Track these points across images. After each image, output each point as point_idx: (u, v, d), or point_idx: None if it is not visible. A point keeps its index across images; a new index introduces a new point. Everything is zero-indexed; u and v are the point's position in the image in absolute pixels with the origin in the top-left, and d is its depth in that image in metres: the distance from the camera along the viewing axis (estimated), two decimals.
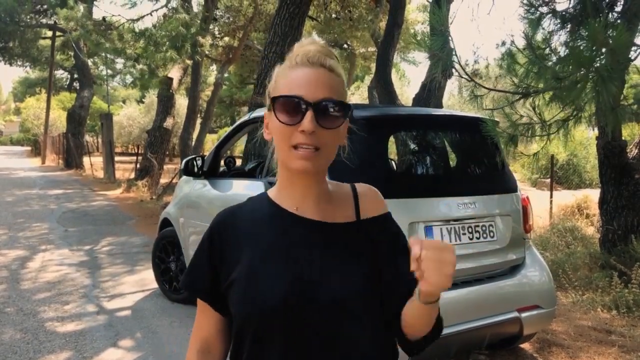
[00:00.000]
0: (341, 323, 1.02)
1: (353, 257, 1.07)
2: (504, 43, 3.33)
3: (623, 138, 5.65)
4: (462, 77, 3.35)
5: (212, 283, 1.08)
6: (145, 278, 5.64)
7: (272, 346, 1.01)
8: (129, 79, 35.29)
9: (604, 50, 2.44)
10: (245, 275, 1.03)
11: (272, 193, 1.13)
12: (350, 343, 1.03)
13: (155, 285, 5.18)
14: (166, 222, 5.08)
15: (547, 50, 2.93)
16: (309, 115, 0.97)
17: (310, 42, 1.08)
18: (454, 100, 27.13)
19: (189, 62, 14.60)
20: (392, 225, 1.17)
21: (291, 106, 0.99)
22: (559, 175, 15.02)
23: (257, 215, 1.10)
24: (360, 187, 1.18)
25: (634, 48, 2.78)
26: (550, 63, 2.80)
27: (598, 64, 2.49)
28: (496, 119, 3.47)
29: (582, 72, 2.53)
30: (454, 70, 3.29)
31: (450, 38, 3.15)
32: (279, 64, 1.10)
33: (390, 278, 1.08)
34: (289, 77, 1.02)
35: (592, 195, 8.95)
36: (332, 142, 1.02)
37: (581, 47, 2.62)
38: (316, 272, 1.03)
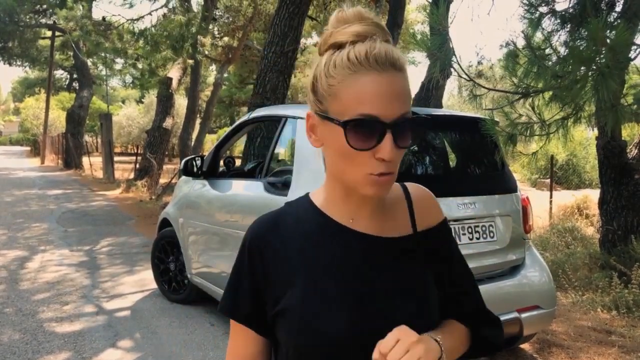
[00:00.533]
0: None
1: (415, 277, 0.95)
2: (507, 44, 3.34)
3: (623, 138, 5.65)
4: (461, 77, 3.35)
5: (258, 308, 0.93)
6: (145, 278, 5.64)
7: None
8: (128, 78, 35.35)
9: (604, 49, 2.44)
10: (300, 302, 0.89)
11: (317, 200, 0.97)
12: None
13: (154, 285, 5.18)
14: (165, 222, 5.07)
15: (548, 50, 2.92)
16: (388, 140, 0.81)
17: (356, 15, 0.85)
18: (454, 101, 27.14)
19: (187, 61, 14.60)
20: (449, 234, 1.05)
21: (365, 129, 0.81)
22: (558, 176, 15.02)
23: (306, 228, 0.94)
24: (413, 189, 1.03)
25: (633, 47, 2.78)
26: (550, 63, 2.80)
27: (598, 63, 2.49)
28: (496, 119, 3.47)
29: (582, 71, 2.53)
30: (452, 69, 3.29)
31: (448, 37, 3.15)
32: (322, 49, 0.88)
33: (449, 295, 1.00)
34: (356, 87, 0.81)
35: (592, 195, 8.96)
36: (400, 160, 0.88)
37: (581, 47, 2.62)
38: (380, 297, 0.90)
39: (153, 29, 12.79)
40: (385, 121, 0.81)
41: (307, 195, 1.00)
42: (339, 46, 0.85)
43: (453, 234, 1.05)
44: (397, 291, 0.92)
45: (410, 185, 1.04)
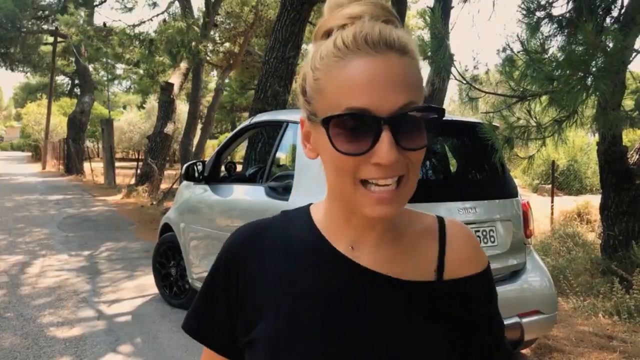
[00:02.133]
0: None
1: (427, 332, 0.74)
2: (504, 49, 3.36)
3: (624, 144, 5.66)
4: (456, 79, 3.37)
5: (230, 332, 0.78)
6: (145, 283, 5.63)
7: None
8: (128, 83, 35.44)
9: (598, 53, 2.46)
10: (270, 338, 0.72)
11: (317, 215, 0.79)
12: None
13: (155, 290, 5.17)
14: (167, 227, 5.08)
15: (544, 55, 2.95)
16: (385, 138, 0.62)
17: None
18: (455, 106, 27.18)
19: (184, 66, 14.63)
20: (488, 287, 0.82)
21: (354, 127, 0.63)
22: (559, 181, 15.02)
23: (295, 247, 0.77)
24: (452, 225, 0.81)
25: (630, 52, 2.80)
26: (548, 68, 2.82)
27: (592, 66, 2.51)
28: (496, 124, 3.49)
29: (578, 76, 2.55)
30: (449, 72, 3.31)
31: (446, 41, 3.17)
32: (313, 41, 0.72)
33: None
34: (341, 76, 0.64)
35: (593, 201, 8.96)
36: (418, 164, 0.68)
37: (577, 51, 2.64)
38: (372, 351, 0.71)
39: (153, 33, 12.85)
40: (380, 115, 0.62)
41: (307, 206, 0.82)
42: (329, 34, 0.69)
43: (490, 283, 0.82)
44: (402, 350, 0.72)
45: (449, 221, 0.81)
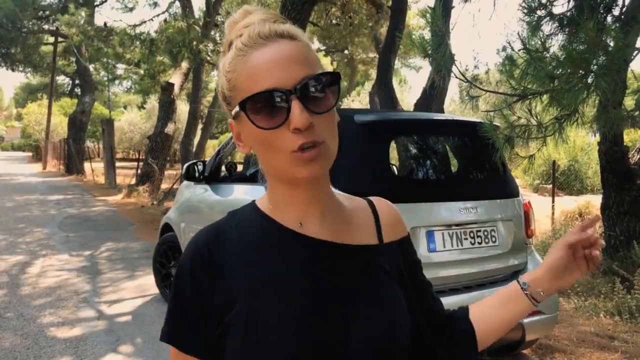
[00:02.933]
0: None
1: (386, 288, 0.85)
2: (504, 48, 3.35)
3: (625, 144, 5.65)
4: (456, 78, 3.37)
5: (205, 334, 0.80)
6: (146, 283, 5.63)
7: None
8: (128, 84, 35.46)
9: (599, 51, 2.46)
10: (243, 321, 0.77)
11: (263, 205, 0.87)
12: None
13: (155, 290, 5.17)
14: (167, 227, 5.07)
15: (545, 54, 2.94)
16: (296, 106, 0.73)
17: (243, 13, 0.83)
18: (455, 106, 27.17)
19: (185, 66, 14.64)
20: (413, 250, 0.97)
21: (267, 104, 0.74)
22: (560, 181, 15.01)
23: (250, 237, 0.83)
24: (380, 203, 0.96)
25: (632, 50, 2.79)
26: (549, 67, 2.81)
27: (595, 66, 2.50)
28: (497, 123, 3.48)
29: (579, 74, 2.55)
30: (450, 71, 3.30)
31: (446, 39, 3.17)
32: (220, 57, 0.84)
33: (418, 312, 0.91)
34: (247, 68, 0.76)
35: (594, 201, 8.95)
36: (332, 128, 0.79)
37: (578, 50, 2.63)
38: (338, 311, 0.79)
39: (154, 33, 12.85)
40: (286, 88, 0.73)
41: (252, 202, 0.89)
42: (231, 46, 0.81)
43: (412, 244, 0.99)
44: (364, 304, 0.81)
45: (376, 199, 0.96)
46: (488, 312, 0.97)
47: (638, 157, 5.69)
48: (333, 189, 0.89)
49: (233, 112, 0.80)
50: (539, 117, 3.20)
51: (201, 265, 0.81)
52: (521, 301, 0.96)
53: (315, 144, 0.75)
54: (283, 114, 0.74)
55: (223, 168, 4.73)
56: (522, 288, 0.95)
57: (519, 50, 2.98)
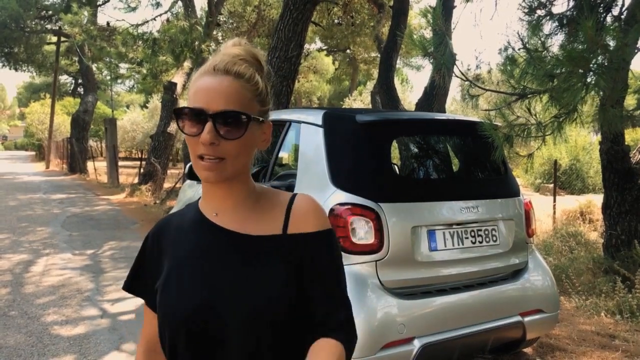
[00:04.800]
0: (251, 343, 0.97)
1: (268, 271, 1.01)
2: (506, 48, 3.36)
3: (626, 143, 5.65)
4: (457, 77, 3.38)
5: (148, 285, 1.10)
6: None
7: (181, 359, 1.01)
8: (131, 83, 35.49)
9: (598, 50, 2.47)
10: (162, 284, 1.05)
11: (201, 199, 1.11)
12: None
13: None
14: None
15: (545, 53, 2.95)
16: (207, 127, 0.96)
17: (231, 45, 1.05)
18: (457, 106, 27.17)
19: (187, 66, 14.66)
20: (325, 246, 1.06)
21: (193, 118, 0.98)
22: (562, 180, 14.99)
23: (184, 223, 1.10)
24: (300, 199, 1.09)
25: (631, 49, 2.80)
26: (549, 66, 2.82)
27: (594, 65, 2.52)
28: (497, 123, 3.49)
29: (578, 73, 2.56)
30: (452, 71, 3.32)
31: (447, 38, 3.18)
32: (196, 68, 1.01)
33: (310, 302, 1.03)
34: (195, 87, 1.00)
35: (596, 200, 8.94)
36: (237, 151, 0.99)
37: (577, 49, 2.64)
38: (225, 285, 1.00)
39: (156, 33, 12.88)
40: (208, 112, 0.96)
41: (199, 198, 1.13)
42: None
43: (332, 247, 1.07)
44: (248, 282, 0.99)
45: (301, 196, 1.10)
46: None
47: (639, 156, 5.69)
48: (264, 186, 1.12)
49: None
50: (538, 116, 3.21)
51: (152, 239, 1.13)
52: None
53: (217, 158, 0.97)
54: (200, 128, 0.97)
55: None
56: None
57: (519, 49, 3.00)
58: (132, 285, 1.15)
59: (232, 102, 0.98)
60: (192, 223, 1.08)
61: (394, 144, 4.14)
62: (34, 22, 22.78)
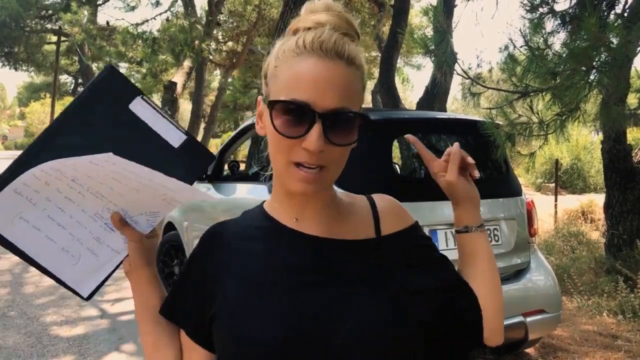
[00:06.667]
0: None
1: (373, 281, 0.83)
2: (507, 47, 3.34)
3: (628, 142, 5.63)
4: (458, 75, 3.37)
5: (199, 315, 0.84)
6: None
7: None
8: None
9: (601, 47, 2.45)
10: (229, 308, 0.80)
11: (268, 205, 0.92)
12: None
13: None
14: (170, 226, 5.08)
15: (547, 51, 2.93)
16: (316, 129, 0.73)
17: (324, 8, 0.81)
18: (458, 105, 27.15)
19: (187, 65, 14.66)
20: (421, 236, 0.96)
21: (294, 114, 0.75)
22: (563, 180, 14.98)
23: (249, 231, 0.89)
24: (382, 199, 0.96)
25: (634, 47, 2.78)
26: (551, 64, 2.80)
27: (597, 62, 2.50)
28: (499, 122, 3.47)
29: (581, 71, 2.54)
30: (453, 69, 3.30)
31: (448, 36, 3.16)
32: (280, 38, 0.83)
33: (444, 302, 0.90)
34: (294, 70, 0.76)
35: (597, 199, 8.92)
36: (341, 159, 0.80)
37: (580, 46, 2.62)
38: (323, 304, 0.79)
39: (156, 32, 12.88)
40: (316, 109, 0.74)
41: (263, 202, 0.94)
42: (296, 32, 0.81)
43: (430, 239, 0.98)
44: (351, 298, 0.80)
45: (377, 196, 0.97)
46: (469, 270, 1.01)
47: None
48: (334, 187, 0.91)
49: (264, 94, 0.83)
50: (540, 115, 3.19)
51: (202, 251, 0.89)
52: (470, 240, 1.00)
53: (318, 167, 0.77)
54: (302, 129, 0.75)
55: (226, 167, 4.73)
56: (458, 233, 1.01)
57: (521, 47, 2.98)
58: (173, 313, 0.88)
59: (345, 98, 0.76)
60: (263, 231, 0.88)
61: (395, 143, 4.12)
62: (34, 22, 22.81)
